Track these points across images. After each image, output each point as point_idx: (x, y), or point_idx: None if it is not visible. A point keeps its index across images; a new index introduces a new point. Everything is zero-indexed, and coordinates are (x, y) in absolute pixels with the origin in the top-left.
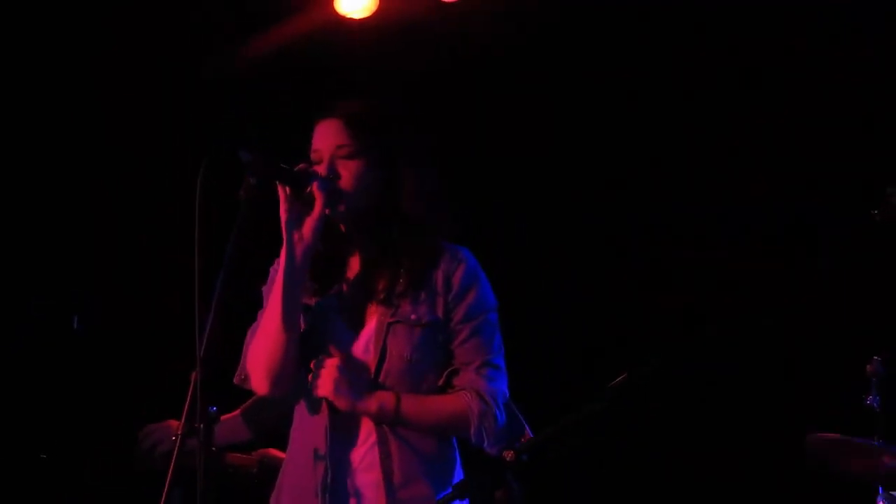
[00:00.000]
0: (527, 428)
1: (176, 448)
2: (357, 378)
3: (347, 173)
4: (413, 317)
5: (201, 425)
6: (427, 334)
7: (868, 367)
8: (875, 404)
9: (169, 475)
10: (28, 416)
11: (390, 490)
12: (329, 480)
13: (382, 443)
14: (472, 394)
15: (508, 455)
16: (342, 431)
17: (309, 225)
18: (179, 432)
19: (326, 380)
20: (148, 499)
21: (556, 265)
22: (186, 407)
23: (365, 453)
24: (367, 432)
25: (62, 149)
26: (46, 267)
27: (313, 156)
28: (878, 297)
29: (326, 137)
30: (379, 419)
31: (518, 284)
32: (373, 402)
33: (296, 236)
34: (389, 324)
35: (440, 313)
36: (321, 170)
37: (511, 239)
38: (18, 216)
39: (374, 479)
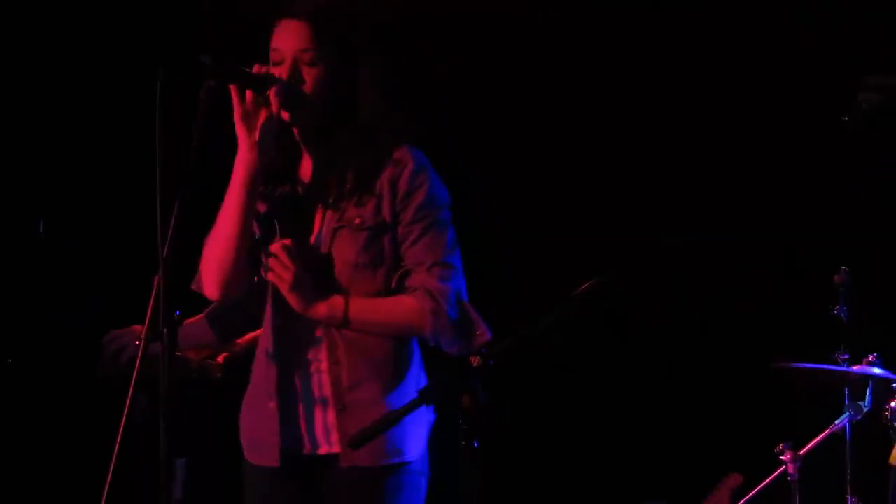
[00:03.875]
0: (486, 328)
1: (140, 352)
2: (305, 281)
3: (310, 79)
4: (357, 220)
5: (165, 329)
6: (372, 237)
7: (836, 277)
8: (843, 314)
9: (133, 379)
10: None
11: (337, 393)
12: (278, 382)
13: (332, 345)
14: (423, 293)
15: (475, 360)
16: (292, 334)
17: (264, 129)
18: (143, 336)
19: (282, 271)
20: (113, 404)
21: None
22: (150, 311)
23: (315, 355)
24: (317, 334)
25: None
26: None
27: (273, 55)
28: (846, 207)
29: (289, 39)
30: (329, 323)
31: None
32: (322, 307)
33: (249, 141)
34: (335, 228)
35: (386, 216)
36: (282, 72)
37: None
38: None
39: (323, 381)
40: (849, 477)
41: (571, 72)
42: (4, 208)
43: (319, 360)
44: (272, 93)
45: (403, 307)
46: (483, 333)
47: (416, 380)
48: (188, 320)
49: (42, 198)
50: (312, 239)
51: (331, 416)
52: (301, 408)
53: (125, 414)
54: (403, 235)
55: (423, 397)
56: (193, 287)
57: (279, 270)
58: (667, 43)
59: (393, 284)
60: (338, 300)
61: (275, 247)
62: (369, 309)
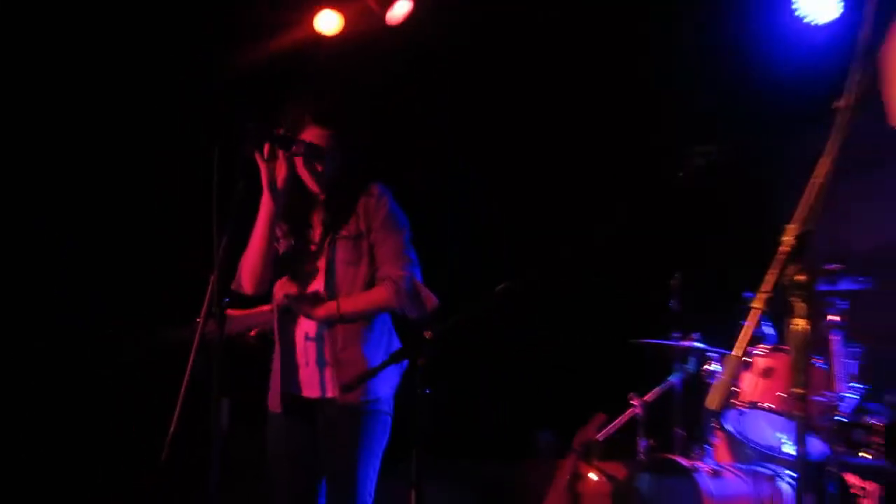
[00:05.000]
0: (433, 297)
1: (200, 327)
2: (309, 298)
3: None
4: (345, 233)
5: (217, 311)
6: (356, 243)
7: (672, 281)
8: (676, 306)
9: (194, 347)
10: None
11: (333, 352)
12: (286, 349)
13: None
14: (388, 281)
15: (428, 335)
16: (294, 322)
17: (282, 176)
18: (202, 317)
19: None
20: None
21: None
22: (207, 299)
23: (316, 329)
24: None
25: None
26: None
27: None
28: (679, 229)
29: (309, 135)
30: (329, 321)
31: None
32: (321, 311)
33: (271, 187)
34: (333, 239)
35: (363, 228)
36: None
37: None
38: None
39: (321, 346)
40: (677, 416)
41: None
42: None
43: (319, 331)
44: (297, 152)
45: (377, 295)
46: (432, 301)
47: (388, 343)
48: (234, 312)
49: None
50: (318, 248)
51: (328, 370)
52: (304, 365)
53: (188, 372)
54: (374, 240)
55: (392, 358)
56: (233, 287)
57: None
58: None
59: (371, 275)
60: (331, 304)
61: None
62: (354, 303)
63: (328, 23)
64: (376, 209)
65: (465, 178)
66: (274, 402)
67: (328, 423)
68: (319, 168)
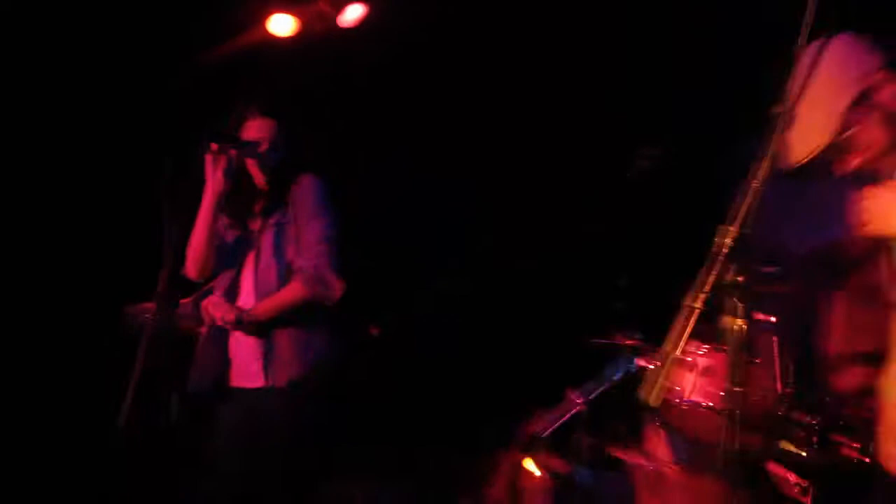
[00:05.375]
0: (340, 283)
1: (152, 318)
2: (225, 306)
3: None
4: (272, 221)
5: (168, 305)
6: (283, 230)
7: (618, 282)
8: (622, 307)
9: (145, 339)
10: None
11: (266, 345)
12: (230, 343)
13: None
14: (300, 275)
15: (374, 331)
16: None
17: (221, 172)
18: (154, 311)
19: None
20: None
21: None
22: (159, 291)
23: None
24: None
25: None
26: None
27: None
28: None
29: (252, 130)
30: (252, 322)
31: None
32: (246, 318)
33: (214, 180)
34: (263, 227)
35: (291, 216)
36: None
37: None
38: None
39: (257, 341)
40: (618, 413)
41: None
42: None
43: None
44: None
45: (287, 293)
46: (338, 287)
47: (321, 335)
48: (182, 300)
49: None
50: (254, 235)
51: (259, 363)
52: (242, 356)
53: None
54: (298, 228)
55: (337, 349)
56: (183, 272)
57: (217, 316)
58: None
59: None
60: (245, 312)
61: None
62: (272, 306)
63: (282, 26)
64: (303, 198)
65: (414, 176)
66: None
67: (265, 407)
68: (258, 161)
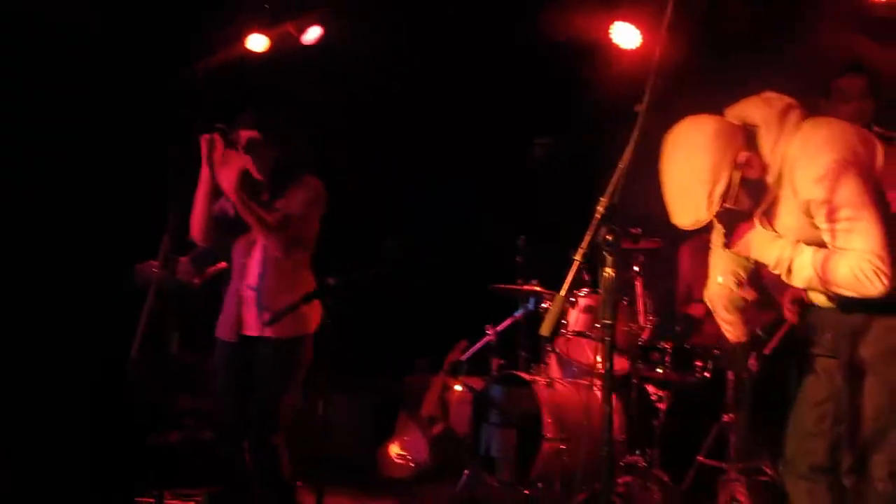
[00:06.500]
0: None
1: (157, 272)
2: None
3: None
4: (278, 205)
5: (170, 262)
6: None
7: (519, 240)
8: (521, 258)
9: (152, 289)
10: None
11: (267, 300)
12: (234, 293)
13: (262, 275)
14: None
15: (331, 280)
16: (241, 269)
17: (217, 157)
18: (159, 266)
19: None
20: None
21: None
22: (162, 253)
23: (256, 281)
24: (255, 269)
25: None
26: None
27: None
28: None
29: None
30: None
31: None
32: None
33: (208, 164)
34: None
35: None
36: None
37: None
38: None
39: (259, 295)
40: (521, 342)
41: None
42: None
43: (258, 283)
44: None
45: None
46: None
47: (305, 288)
48: (181, 259)
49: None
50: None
51: (263, 315)
52: (246, 310)
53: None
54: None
55: (304, 299)
56: (189, 237)
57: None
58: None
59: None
60: None
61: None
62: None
63: (257, 43)
64: (300, 189)
65: (362, 164)
66: (223, 332)
67: (263, 356)
68: (252, 155)
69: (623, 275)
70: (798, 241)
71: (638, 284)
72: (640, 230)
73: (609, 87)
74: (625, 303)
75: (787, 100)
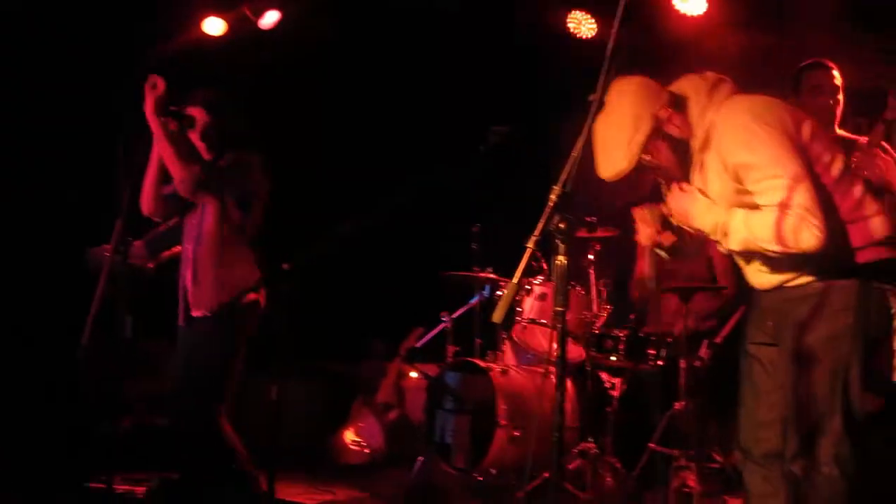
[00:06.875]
0: None
1: (110, 256)
2: None
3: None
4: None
5: (123, 246)
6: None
7: (473, 228)
8: (475, 246)
9: (104, 273)
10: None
11: (194, 274)
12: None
13: (195, 261)
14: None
15: (285, 266)
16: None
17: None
18: (112, 251)
19: None
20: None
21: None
22: (115, 238)
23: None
24: (189, 255)
25: None
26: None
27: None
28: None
29: (196, 111)
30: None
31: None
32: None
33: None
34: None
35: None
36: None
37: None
38: None
39: (190, 268)
40: (476, 329)
41: None
42: None
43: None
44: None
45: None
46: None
47: (241, 268)
48: (135, 242)
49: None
50: None
51: (193, 290)
52: (185, 289)
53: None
54: None
55: (256, 285)
56: (141, 209)
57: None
58: None
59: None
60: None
61: None
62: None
63: (214, 27)
64: (239, 162)
65: (314, 149)
66: (178, 317)
67: (196, 330)
68: (200, 136)
69: (579, 263)
70: (731, 207)
71: (592, 273)
72: (596, 219)
73: (567, 76)
74: (580, 291)
75: (722, 76)
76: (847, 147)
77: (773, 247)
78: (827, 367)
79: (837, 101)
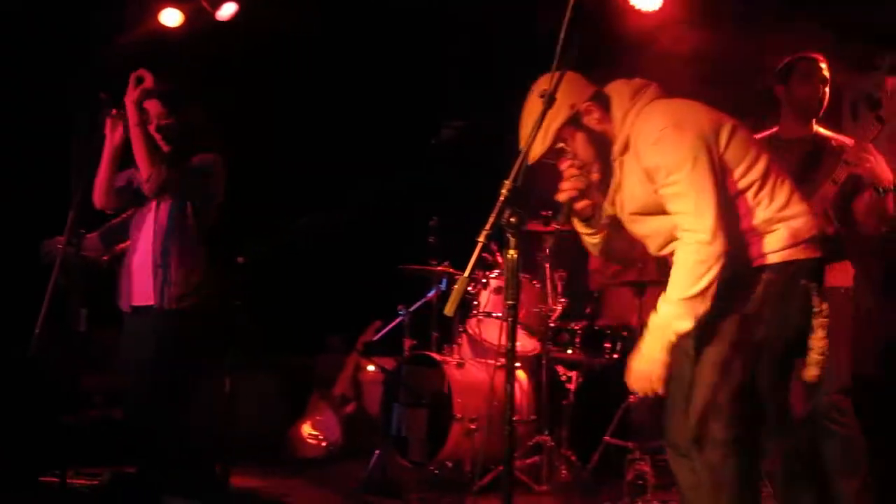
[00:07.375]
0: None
1: (63, 248)
2: None
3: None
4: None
5: (76, 238)
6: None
7: (431, 222)
8: (430, 240)
9: (57, 265)
10: None
11: (154, 264)
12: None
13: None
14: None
15: (240, 259)
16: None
17: (118, 132)
18: (64, 243)
19: None
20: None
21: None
22: (67, 230)
23: (151, 243)
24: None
25: None
26: None
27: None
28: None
29: (152, 105)
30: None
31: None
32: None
33: (112, 137)
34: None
35: None
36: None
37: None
38: None
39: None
40: (433, 323)
41: None
42: None
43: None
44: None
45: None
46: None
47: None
48: (88, 235)
49: None
50: None
51: (152, 281)
52: (138, 279)
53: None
54: None
55: (216, 277)
56: (92, 205)
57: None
58: None
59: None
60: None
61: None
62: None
63: (170, 18)
64: (203, 167)
65: (272, 143)
66: (123, 303)
67: (157, 324)
68: (156, 128)
69: (534, 257)
70: (650, 212)
71: (548, 266)
72: (551, 212)
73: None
74: (536, 284)
75: (648, 82)
76: (819, 146)
77: (702, 284)
78: (710, 360)
79: (824, 94)
